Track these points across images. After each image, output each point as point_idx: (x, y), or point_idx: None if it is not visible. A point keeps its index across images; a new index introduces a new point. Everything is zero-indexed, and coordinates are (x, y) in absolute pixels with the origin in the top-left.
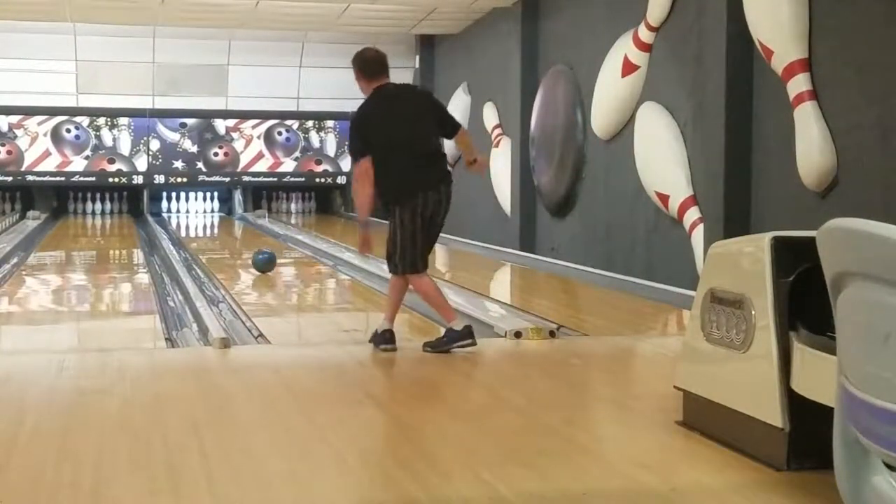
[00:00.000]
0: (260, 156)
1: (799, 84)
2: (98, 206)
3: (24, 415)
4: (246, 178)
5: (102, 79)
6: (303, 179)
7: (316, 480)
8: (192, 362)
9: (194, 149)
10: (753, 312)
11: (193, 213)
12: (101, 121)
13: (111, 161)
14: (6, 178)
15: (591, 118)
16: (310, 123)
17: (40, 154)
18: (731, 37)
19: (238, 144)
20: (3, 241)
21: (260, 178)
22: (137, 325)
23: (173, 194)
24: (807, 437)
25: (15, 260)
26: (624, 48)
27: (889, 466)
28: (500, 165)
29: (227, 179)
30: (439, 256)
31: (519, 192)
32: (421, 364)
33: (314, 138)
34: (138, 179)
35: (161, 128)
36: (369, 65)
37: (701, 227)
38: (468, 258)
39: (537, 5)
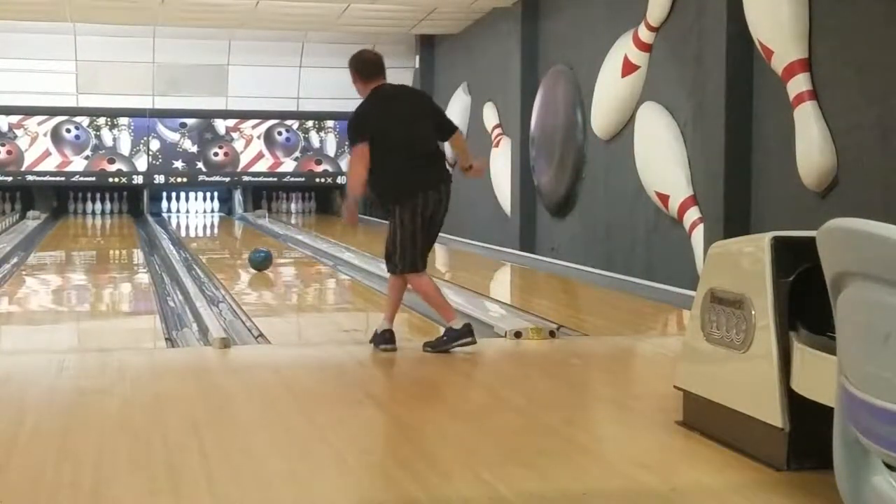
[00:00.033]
0: (260, 156)
1: (799, 84)
2: (98, 206)
3: (24, 415)
4: (246, 178)
5: (102, 79)
6: (303, 179)
7: (316, 480)
8: (192, 362)
9: (194, 149)
10: (753, 312)
11: (193, 213)
12: (101, 121)
13: (111, 161)
14: (6, 178)
15: (591, 118)
16: (310, 123)
17: (40, 154)
18: (731, 37)
19: (238, 144)
20: (3, 241)
21: (260, 178)
22: (137, 325)
23: (173, 194)
24: (807, 437)
25: (15, 260)
26: (624, 48)
27: (889, 466)
28: (500, 165)
29: (227, 179)
30: (439, 256)
31: (519, 192)
32: (421, 364)
33: (314, 138)
34: (138, 179)
35: (161, 128)
36: (366, 66)
37: (701, 227)
38: (468, 258)
39: (537, 5)
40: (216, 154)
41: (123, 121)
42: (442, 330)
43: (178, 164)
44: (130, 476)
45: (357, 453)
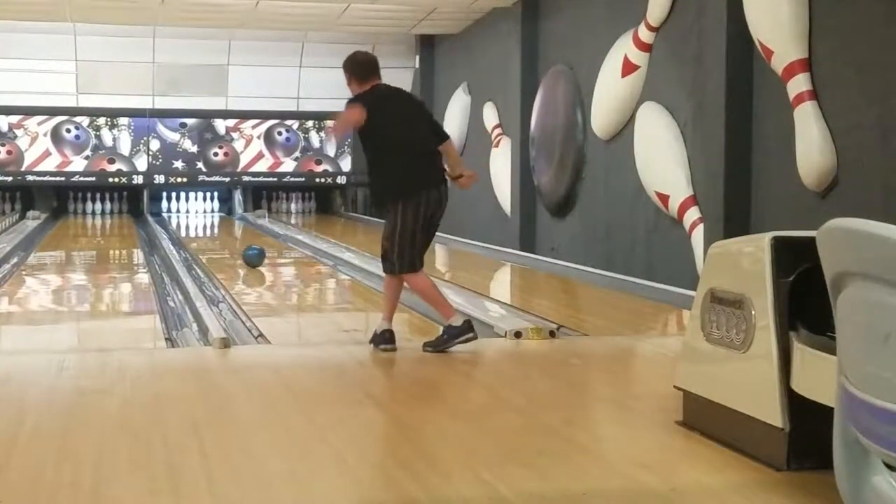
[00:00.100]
0: (260, 156)
1: (799, 84)
2: (98, 206)
3: (24, 415)
4: (246, 178)
5: (102, 79)
6: (303, 179)
7: (316, 480)
8: (192, 362)
9: (194, 149)
10: (753, 312)
11: (193, 213)
12: (101, 121)
13: (111, 161)
14: (6, 178)
15: (591, 118)
16: (310, 123)
17: (40, 154)
18: (731, 37)
19: (238, 144)
20: (3, 241)
21: (260, 178)
22: (137, 325)
23: (173, 194)
24: (807, 437)
25: (15, 260)
26: (624, 48)
27: (889, 466)
28: (500, 165)
29: (227, 179)
30: (439, 256)
31: (519, 192)
32: (421, 364)
33: (314, 138)
34: (138, 179)
35: (161, 128)
36: (362, 67)
37: (701, 227)
38: (468, 258)
39: (537, 5)
40: (216, 154)
41: (123, 121)
42: (442, 330)
43: (178, 164)
44: (130, 476)
45: (357, 453)
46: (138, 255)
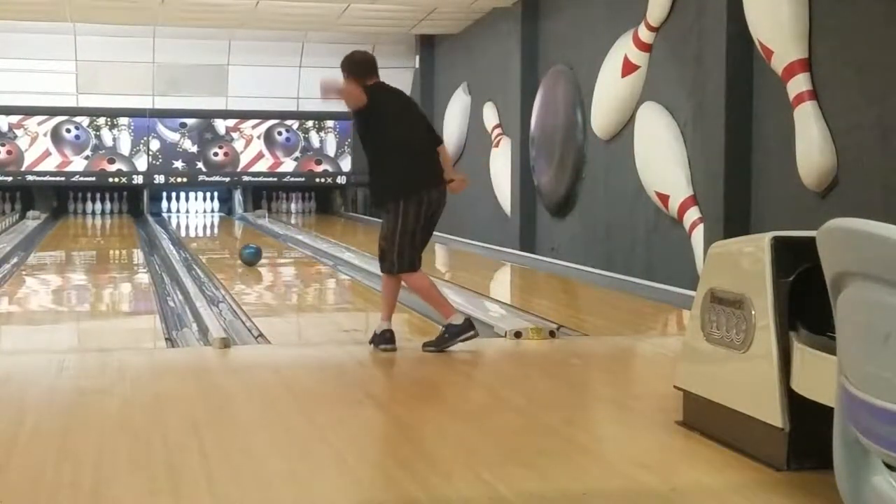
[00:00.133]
0: (260, 156)
1: (799, 84)
2: (98, 206)
3: (24, 415)
4: (246, 178)
5: (102, 79)
6: (303, 179)
7: (316, 480)
8: (192, 362)
9: (194, 149)
10: (753, 312)
11: (193, 213)
12: (101, 121)
13: (111, 161)
14: (6, 178)
15: (591, 118)
16: (310, 123)
17: (40, 154)
18: (731, 37)
19: (238, 144)
20: (3, 241)
21: (260, 178)
22: (137, 325)
23: (173, 194)
24: (807, 437)
25: (15, 260)
26: (624, 48)
27: (889, 466)
28: (500, 165)
29: (227, 179)
30: (439, 256)
31: (519, 192)
32: (421, 364)
33: (314, 138)
34: (138, 179)
35: (161, 128)
36: (360, 66)
37: (701, 227)
38: (468, 258)
39: (537, 5)
40: (216, 154)
41: (123, 121)
42: (442, 329)
43: (178, 164)
44: (130, 476)
45: (357, 453)
46: (138, 255)
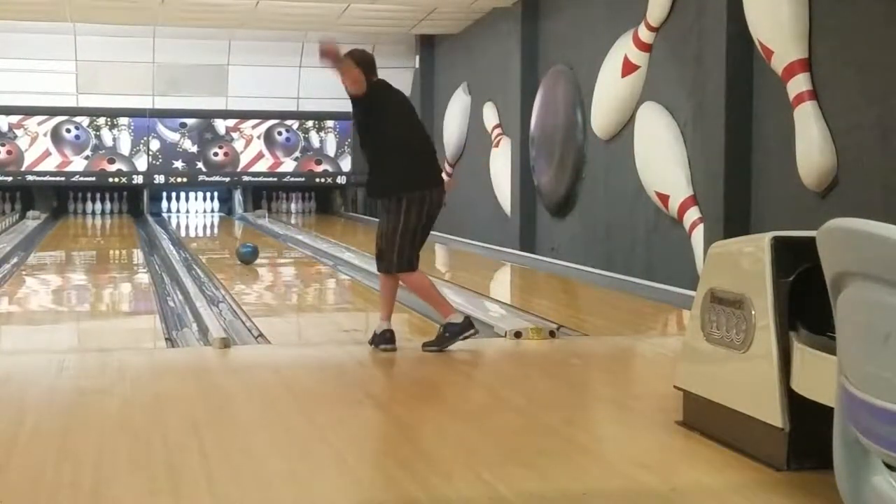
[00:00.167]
0: (260, 156)
1: (799, 84)
2: (98, 206)
3: (24, 415)
4: (246, 178)
5: (102, 79)
6: (303, 179)
7: (316, 480)
8: (192, 362)
9: (194, 149)
10: (753, 312)
11: (193, 213)
12: (101, 121)
13: (111, 161)
14: (6, 178)
15: (591, 118)
16: (310, 123)
17: (40, 154)
18: (731, 37)
19: (238, 144)
20: (3, 241)
21: (260, 178)
22: (137, 325)
23: (173, 194)
24: (807, 437)
25: (15, 260)
26: (624, 48)
27: (889, 466)
28: (500, 165)
29: (227, 179)
30: (439, 256)
31: (519, 192)
32: (421, 364)
33: (314, 138)
34: (138, 179)
35: (161, 128)
36: (360, 62)
37: (701, 227)
38: (468, 258)
39: (537, 5)
40: (216, 154)
41: (123, 121)
42: (441, 328)
43: (178, 164)
44: (130, 476)
45: (357, 453)
46: (138, 255)
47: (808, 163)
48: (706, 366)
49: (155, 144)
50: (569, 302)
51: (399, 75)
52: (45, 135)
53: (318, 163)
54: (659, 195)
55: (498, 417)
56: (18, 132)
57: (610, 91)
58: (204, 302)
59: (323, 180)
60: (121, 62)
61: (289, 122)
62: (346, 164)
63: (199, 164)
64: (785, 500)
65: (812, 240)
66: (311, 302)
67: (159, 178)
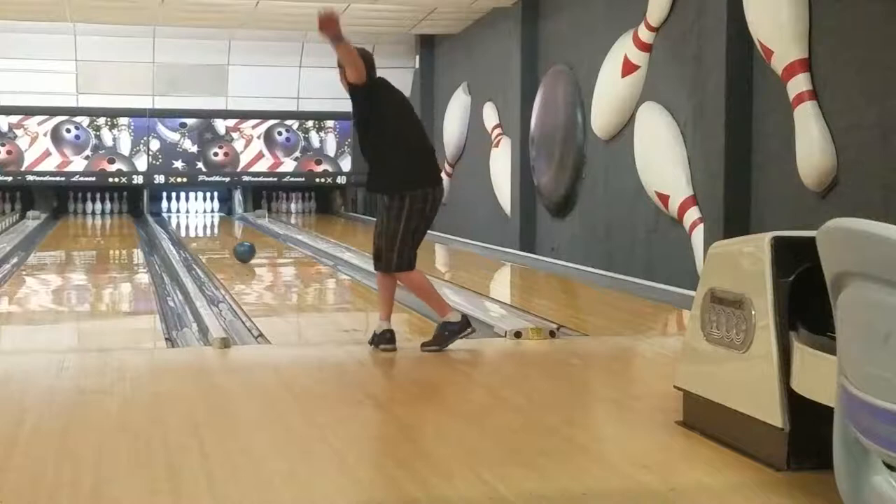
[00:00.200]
0: (260, 156)
1: (799, 84)
2: (98, 206)
3: (24, 415)
4: (246, 178)
5: (102, 79)
6: (303, 179)
7: (316, 480)
8: (192, 362)
9: (194, 149)
10: (753, 312)
11: (193, 213)
12: (101, 121)
13: (111, 161)
14: (6, 178)
15: (591, 118)
16: (310, 123)
17: (40, 154)
18: (731, 37)
19: (238, 144)
20: (3, 241)
21: (260, 178)
22: (137, 325)
23: (173, 194)
24: (807, 437)
25: (15, 260)
26: (624, 48)
27: (889, 466)
28: (500, 165)
29: (227, 179)
30: (439, 256)
31: (519, 192)
32: (421, 364)
33: (314, 138)
34: (138, 179)
35: (161, 128)
36: (367, 59)
37: (701, 227)
38: (468, 258)
39: (537, 5)
40: (216, 154)
41: (123, 121)
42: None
43: (178, 164)
44: (130, 476)
45: (357, 453)
46: (138, 255)
47: (808, 163)
48: (706, 366)
49: (155, 144)
50: (569, 302)
51: (399, 75)
52: (45, 135)
53: (318, 163)
54: (659, 195)
55: (498, 417)
56: (18, 132)
57: (610, 91)
58: (204, 302)
59: (323, 180)
60: (121, 62)
61: (289, 122)
62: (346, 164)
63: (199, 164)
64: (785, 500)
65: (812, 240)
66: (311, 302)
67: (159, 178)
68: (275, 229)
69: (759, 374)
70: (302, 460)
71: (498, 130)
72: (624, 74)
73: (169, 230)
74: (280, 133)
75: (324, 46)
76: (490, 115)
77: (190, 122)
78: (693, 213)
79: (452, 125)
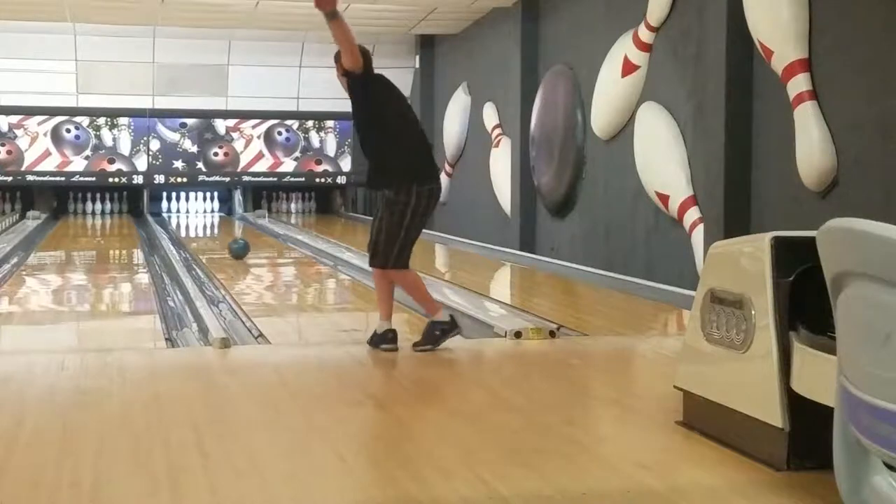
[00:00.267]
0: (260, 156)
1: (799, 84)
2: (98, 206)
3: (24, 415)
4: (246, 178)
5: (102, 79)
6: (303, 179)
7: (316, 480)
8: (192, 362)
9: (194, 149)
10: (753, 312)
11: (193, 213)
12: (101, 121)
13: (111, 161)
14: (6, 178)
15: (591, 118)
16: (310, 123)
17: (40, 154)
18: (731, 37)
19: (238, 144)
20: (3, 241)
21: (260, 178)
22: (137, 325)
23: (173, 194)
24: (807, 437)
25: (15, 260)
26: (624, 48)
27: (889, 466)
28: (500, 165)
29: (227, 179)
30: (439, 256)
31: (519, 192)
32: (421, 364)
33: (314, 138)
34: (138, 179)
35: (161, 128)
36: (364, 55)
37: (701, 227)
38: (468, 258)
39: (537, 5)
40: (216, 154)
41: (123, 121)
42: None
43: (178, 164)
44: (130, 476)
45: (357, 453)
46: (138, 255)
47: (808, 163)
48: (706, 366)
49: (155, 144)
50: (569, 302)
51: (399, 75)
52: (45, 135)
53: (318, 163)
54: (659, 195)
55: (498, 417)
56: (18, 132)
57: (610, 91)
58: (204, 302)
59: (323, 180)
60: (121, 62)
61: (289, 122)
62: (346, 163)
63: (199, 164)
64: (785, 500)
65: (812, 240)
66: (311, 302)
67: (159, 178)
68: (275, 229)
69: (759, 374)
70: (302, 460)
71: (498, 130)
72: (624, 74)
73: (169, 230)
74: (280, 133)
75: (324, 46)
76: (490, 115)
77: (190, 122)
78: (693, 213)
79: (452, 125)
